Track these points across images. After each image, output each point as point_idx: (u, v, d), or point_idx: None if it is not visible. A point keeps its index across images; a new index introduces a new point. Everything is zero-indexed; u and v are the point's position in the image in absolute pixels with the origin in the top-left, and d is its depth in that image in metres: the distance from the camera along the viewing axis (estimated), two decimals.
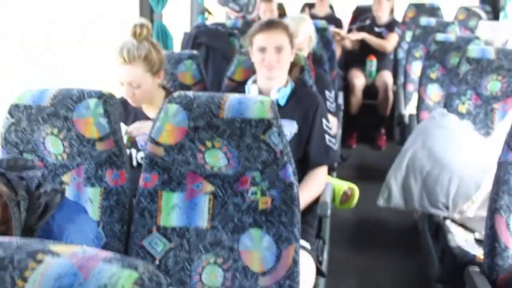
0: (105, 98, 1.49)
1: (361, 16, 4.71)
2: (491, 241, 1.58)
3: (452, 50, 3.21)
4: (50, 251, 0.61)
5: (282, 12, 4.92)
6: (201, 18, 3.73)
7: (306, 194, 1.91)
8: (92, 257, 0.61)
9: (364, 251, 2.80)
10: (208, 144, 1.42)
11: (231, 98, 1.43)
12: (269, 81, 2.02)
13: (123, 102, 2.01)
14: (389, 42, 4.31)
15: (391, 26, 4.36)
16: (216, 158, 1.44)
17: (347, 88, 4.24)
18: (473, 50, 2.53)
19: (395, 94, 4.14)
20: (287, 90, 2.01)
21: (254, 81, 2.08)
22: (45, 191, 1.17)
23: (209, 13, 3.77)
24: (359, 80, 4.22)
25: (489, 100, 2.52)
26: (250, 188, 1.45)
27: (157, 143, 1.46)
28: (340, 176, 2.92)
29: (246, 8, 3.94)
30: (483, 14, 4.62)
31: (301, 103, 2.01)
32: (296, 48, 2.08)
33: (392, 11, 4.53)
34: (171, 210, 1.48)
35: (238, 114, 1.39)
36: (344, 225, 3.04)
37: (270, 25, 1.99)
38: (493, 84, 2.51)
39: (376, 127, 4.40)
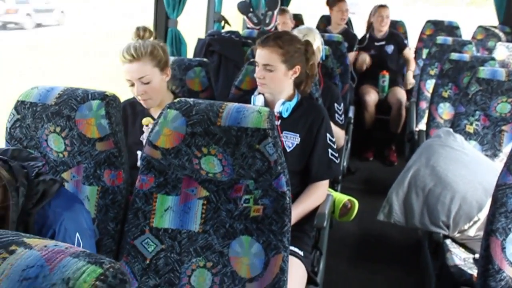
0: (108, 100, 1.53)
1: None
2: (485, 263, 1.57)
3: (466, 70, 3.19)
4: (23, 243, 0.64)
5: (299, 23, 4.94)
6: (217, 27, 3.76)
7: (304, 206, 1.93)
8: (61, 251, 0.64)
9: (364, 265, 2.79)
10: (204, 150, 1.45)
11: (230, 106, 1.46)
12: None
13: (132, 103, 2.05)
14: (411, 63, 4.40)
15: (392, 38, 4.41)
16: (211, 165, 1.46)
17: (359, 103, 4.24)
18: (484, 71, 2.52)
19: (408, 110, 4.13)
20: (292, 103, 2.02)
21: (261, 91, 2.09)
22: (43, 180, 1.24)
23: (226, 22, 3.80)
24: (370, 96, 4.22)
25: (498, 121, 2.51)
26: (243, 196, 1.47)
27: (155, 146, 1.49)
28: (347, 189, 2.92)
29: (263, 21, 3.98)
30: (502, 35, 4.59)
31: (306, 115, 2.02)
32: (299, 67, 2.01)
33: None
34: (165, 213, 1.51)
35: (235, 122, 1.41)
36: (346, 238, 3.03)
37: (264, 41, 1.96)
38: (502, 106, 2.50)
39: (388, 143, 4.39)
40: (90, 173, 1.57)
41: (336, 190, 2.57)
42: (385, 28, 4.39)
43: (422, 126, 3.64)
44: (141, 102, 1.96)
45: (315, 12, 5.89)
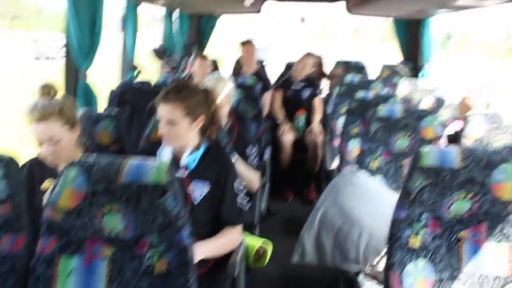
0: (5, 163, 1.49)
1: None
2: None
3: (370, 108, 3.37)
4: None
5: (215, 68, 5.07)
6: (131, 75, 3.78)
7: (212, 245, 1.93)
8: None
9: None
10: (106, 208, 1.45)
11: (130, 163, 1.47)
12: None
13: (39, 162, 2.00)
14: (318, 111, 4.50)
15: (309, 84, 4.56)
16: (114, 222, 1.46)
17: (277, 143, 4.34)
18: (382, 110, 2.70)
19: (323, 149, 4.28)
20: (199, 153, 2.05)
21: None
22: None
23: (139, 71, 3.83)
24: (287, 136, 4.34)
25: (398, 156, 2.68)
26: (147, 252, 1.47)
27: (55, 208, 1.47)
28: (268, 230, 2.96)
29: (177, 68, 4.05)
30: (405, 71, 4.92)
31: (214, 164, 2.05)
32: (202, 117, 2.05)
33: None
34: (69, 276, 1.47)
35: (136, 179, 1.43)
36: (267, 281, 3.04)
37: (165, 97, 1.98)
38: (401, 142, 2.67)
39: (306, 181, 4.50)
40: None
41: (254, 234, 2.61)
42: (299, 74, 4.53)
43: (336, 163, 3.77)
44: (48, 161, 1.92)
45: (231, 56, 6.05)
